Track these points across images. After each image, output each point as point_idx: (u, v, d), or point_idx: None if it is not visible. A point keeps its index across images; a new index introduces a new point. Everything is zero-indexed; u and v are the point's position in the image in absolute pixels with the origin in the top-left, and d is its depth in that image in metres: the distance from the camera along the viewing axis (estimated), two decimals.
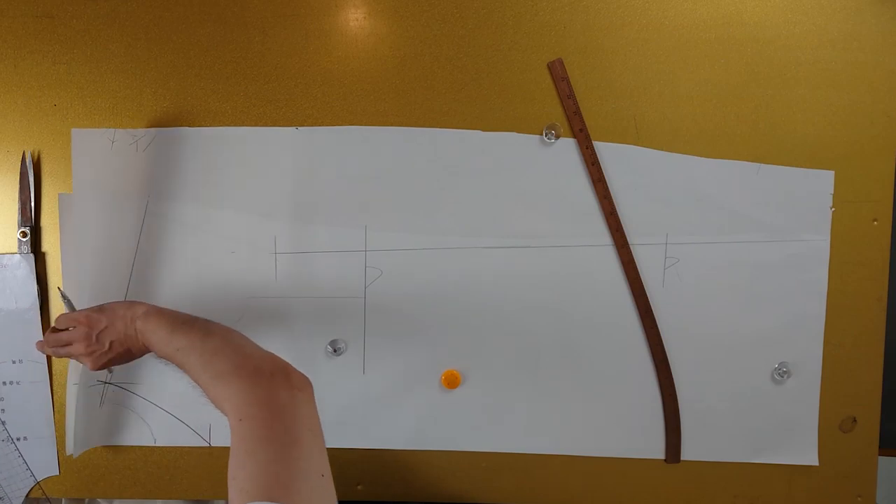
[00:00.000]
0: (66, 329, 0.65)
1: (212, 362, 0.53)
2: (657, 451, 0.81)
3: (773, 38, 0.78)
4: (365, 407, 0.80)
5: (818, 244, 0.79)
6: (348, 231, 0.78)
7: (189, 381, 0.56)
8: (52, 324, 0.68)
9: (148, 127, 0.76)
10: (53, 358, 0.77)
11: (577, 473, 0.81)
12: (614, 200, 0.78)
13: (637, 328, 0.79)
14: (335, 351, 0.78)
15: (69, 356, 0.66)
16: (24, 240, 0.76)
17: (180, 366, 0.57)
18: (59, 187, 0.77)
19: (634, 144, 0.78)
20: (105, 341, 0.63)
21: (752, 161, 0.78)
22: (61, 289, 0.74)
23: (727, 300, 0.79)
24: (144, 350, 0.63)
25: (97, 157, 0.76)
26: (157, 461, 0.79)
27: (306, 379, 0.53)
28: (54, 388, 0.78)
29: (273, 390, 0.50)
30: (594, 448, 0.81)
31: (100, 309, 0.64)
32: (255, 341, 0.59)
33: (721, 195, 0.78)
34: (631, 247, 0.78)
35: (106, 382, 0.77)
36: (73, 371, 0.77)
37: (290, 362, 0.55)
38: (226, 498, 0.82)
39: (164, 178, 0.76)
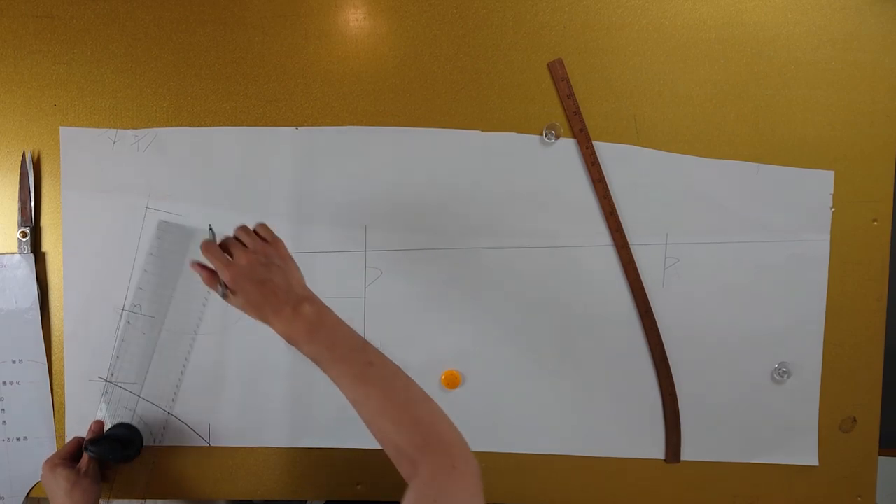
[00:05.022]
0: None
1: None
2: (657, 451, 0.81)
3: (773, 38, 0.78)
4: None
5: (818, 244, 0.79)
6: (348, 231, 0.78)
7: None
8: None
9: (148, 127, 0.76)
10: (53, 358, 0.77)
11: (577, 473, 0.81)
12: (614, 200, 0.78)
13: (637, 328, 0.79)
14: None
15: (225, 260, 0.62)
16: (24, 240, 0.76)
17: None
18: (60, 187, 0.77)
19: (634, 144, 0.78)
20: (270, 273, 0.60)
21: (752, 161, 0.78)
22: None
23: (727, 300, 0.79)
24: (271, 321, 0.60)
25: (97, 156, 0.76)
26: (157, 461, 0.79)
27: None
28: (54, 388, 0.78)
29: None
30: (594, 448, 0.81)
31: (287, 256, 0.64)
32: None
33: (721, 195, 0.78)
34: (631, 247, 0.78)
35: (107, 381, 0.77)
36: (73, 368, 0.77)
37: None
38: (225, 497, 0.82)
39: (164, 178, 0.77)
